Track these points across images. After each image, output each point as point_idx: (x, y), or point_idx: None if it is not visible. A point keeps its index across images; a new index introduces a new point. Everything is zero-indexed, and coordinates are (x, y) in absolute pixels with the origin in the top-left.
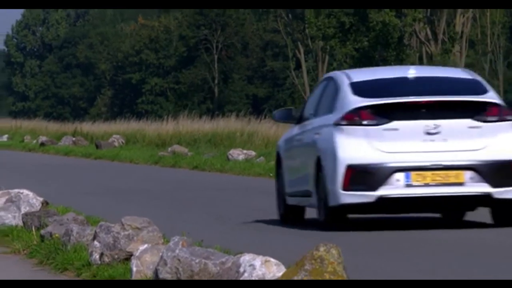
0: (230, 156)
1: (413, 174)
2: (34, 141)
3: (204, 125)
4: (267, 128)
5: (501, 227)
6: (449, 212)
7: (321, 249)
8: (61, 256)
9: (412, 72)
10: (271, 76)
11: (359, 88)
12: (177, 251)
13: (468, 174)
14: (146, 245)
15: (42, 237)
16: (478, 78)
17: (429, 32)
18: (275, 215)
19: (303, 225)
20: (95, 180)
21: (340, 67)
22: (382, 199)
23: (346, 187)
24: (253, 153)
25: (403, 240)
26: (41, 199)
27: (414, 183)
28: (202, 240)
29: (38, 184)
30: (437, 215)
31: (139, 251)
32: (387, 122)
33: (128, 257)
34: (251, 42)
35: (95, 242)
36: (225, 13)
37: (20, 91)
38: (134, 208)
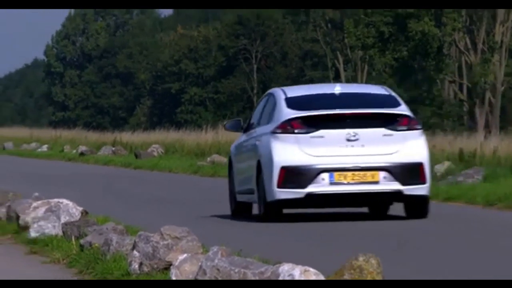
0: None
1: (336, 174)
2: (74, 151)
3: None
4: None
5: (412, 219)
6: (374, 207)
7: (360, 259)
8: (100, 266)
9: (337, 89)
10: None
11: (292, 103)
12: (216, 260)
13: (382, 174)
14: (185, 255)
15: (81, 247)
16: (393, 94)
17: (468, 42)
18: (316, 225)
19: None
20: (134, 190)
21: (379, 77)
22: (310, 195)
23: (280, 185)
24: None
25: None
26: (80, 208)
27: (337, 182)
28: (241, 249)
29: (78, 193)
30: (365, 209)
31: (178, 260)
32: (314, 131)
33: (167, 267)
34: (290, 52)
35: (135, 252)
36: (264, 23)
37: (59, 101)
38: (173, 218)
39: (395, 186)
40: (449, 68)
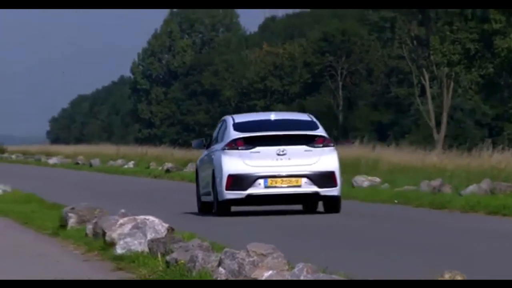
0: (354, 183)
1: (269, 180)
2: (160, 168)
3: None
4: (392, 154)
5: (328, 213)
6: (307, 205)
7: (446, 275)
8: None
9: (272, 116)
10: (395, 102)
11: (238, 127)
12: (302, 277)
13: (304, 180)
14: (271, 272)
15: (167, 263)
16: (314, 119)
17: None
18: (404, 240)
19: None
20: None
21: (465, 94)
22: (250, 196)
23: (228, 188)
24: (378, 179)
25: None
26: (166, 225)
27: (270, 186)
28: (326, 267)
29: (164, 210)
30: (300, 207)
31: (264, 277)
32: (253, 147)
33: None
34: (375, 69)
35: (220, 269)
36: (350, 40)
37: (146, 118)
38: (259, 235)
39: (314, 188)
40: None
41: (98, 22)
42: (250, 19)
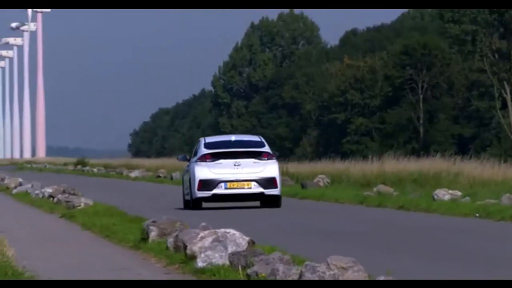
0: (435, 196)
1: (228, 183)
2: None
3: (409, 165)
4: (473, 168)
5: (269, 208)
6: (264, 203)
7: None
8: None
9: (233, 138)
10: (476, 115)
11: (208, 145)
12: None
13: (253, 183)
14: None
15: (248, 276)
16: (262, 139)
17: None
18: (488, 258)
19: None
20: (300, 220)
21: None
22: (215, 195)
23: (199, 189)
24: (459, 193)
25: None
26: (247, 238)
27: (229, 187)
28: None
29: (244, 223)
30: (257, 203)
31: None
32: (216, 160)
33: None
34: (456, 82)
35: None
36: (431, 53)
37: (227, 131)
38: (339, 248)
39: (260, 190)
40: None
41: (178, 36)
42: (331, 32)
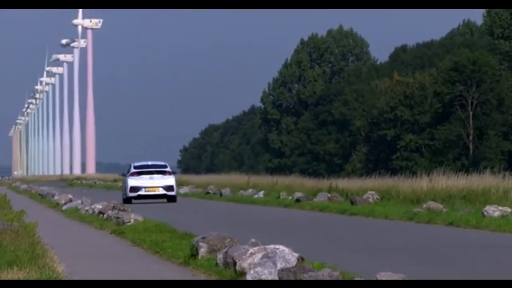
0: (485, 213)
1: (146, 188)
2: (290, 197)
3: (459, 181)
4: None
5: (172, 203)
6: (167, 200)
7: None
8: None
9: (149, 163)
10: None
11: (135, 167)
12: None
13: (160, 188)
14: None
15: None
16: (166, 164)
17: None
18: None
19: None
20: (350, 236)
21: None
22: (139, 195)
23: (130, 191)
24: (509, 209)
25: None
26: (296, 255)
27: (147, 191)
28: None
29: (294, 240)
30: (165, 200)
31: None
32: (140, 175)
33: None
34: (506, 98)
35: None
36: (481, 69)
37: (276, 147)
38: (388, 264)
39: (164, 192)
40: None
41: (229, 53)
42: (380, 48)
